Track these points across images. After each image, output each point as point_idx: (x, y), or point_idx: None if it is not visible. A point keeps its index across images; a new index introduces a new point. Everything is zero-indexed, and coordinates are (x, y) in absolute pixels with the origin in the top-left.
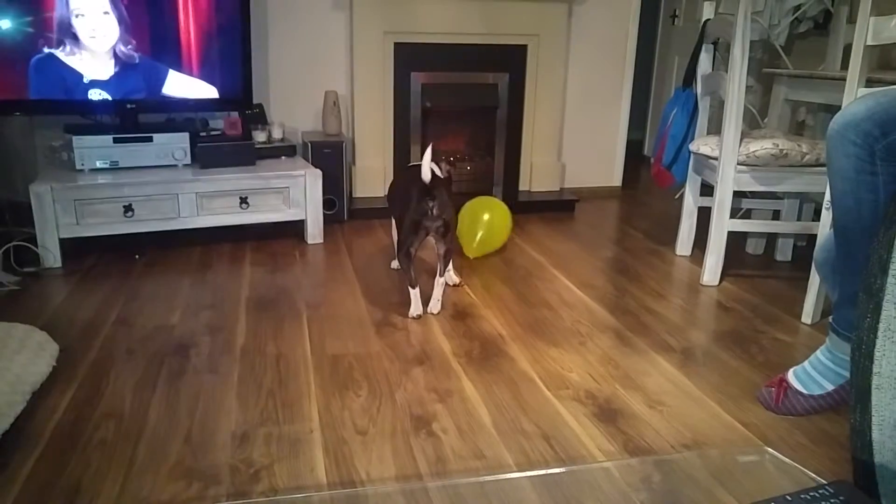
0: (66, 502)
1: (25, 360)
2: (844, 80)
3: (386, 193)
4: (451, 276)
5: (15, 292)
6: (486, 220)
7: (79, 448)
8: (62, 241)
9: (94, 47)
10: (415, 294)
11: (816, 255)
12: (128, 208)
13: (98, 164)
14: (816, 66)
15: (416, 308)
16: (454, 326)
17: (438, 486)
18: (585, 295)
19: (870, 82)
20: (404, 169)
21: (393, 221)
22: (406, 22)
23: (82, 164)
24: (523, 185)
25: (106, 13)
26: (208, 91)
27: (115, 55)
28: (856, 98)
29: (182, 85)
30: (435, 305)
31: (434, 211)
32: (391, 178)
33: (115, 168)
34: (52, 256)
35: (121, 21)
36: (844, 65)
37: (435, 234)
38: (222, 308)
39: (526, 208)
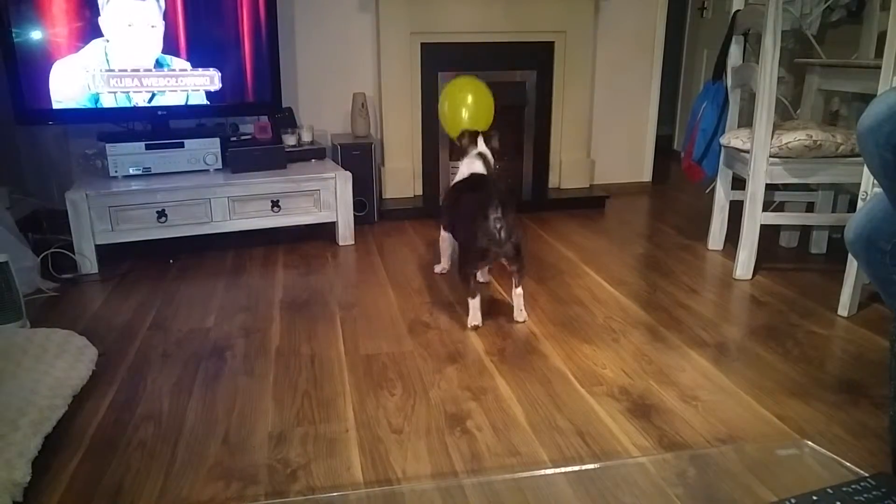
0: (109, 503)
1: (66, 364)
2: (879, 68)
3: (442, 200)
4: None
5: (54, 298)
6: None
7: (119, 450)
8: (98, 248)
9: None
10: (474, 304)
11: (847, 233)
12: (161, 214)
13: (131, 171)
14: (850, 55)
15: (474, 318)
16: (486, 325)
17: (474, 483)
18: (617, 291)
19: None
20: (465, 180)
21: (442, 230)
22: (432, 22)
23: (116, 171)
24: (553, 183)
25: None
26: (238, 96)
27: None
28: (883, 92)
29: (212, 90)
30: (519, 314)
31: (502, 234)
32: (421, 178)
33: (147, 174)
34: (88, 263)
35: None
36: (879, 53)
37: (505, 259)
38: (256, 310)
39: (556, 206)
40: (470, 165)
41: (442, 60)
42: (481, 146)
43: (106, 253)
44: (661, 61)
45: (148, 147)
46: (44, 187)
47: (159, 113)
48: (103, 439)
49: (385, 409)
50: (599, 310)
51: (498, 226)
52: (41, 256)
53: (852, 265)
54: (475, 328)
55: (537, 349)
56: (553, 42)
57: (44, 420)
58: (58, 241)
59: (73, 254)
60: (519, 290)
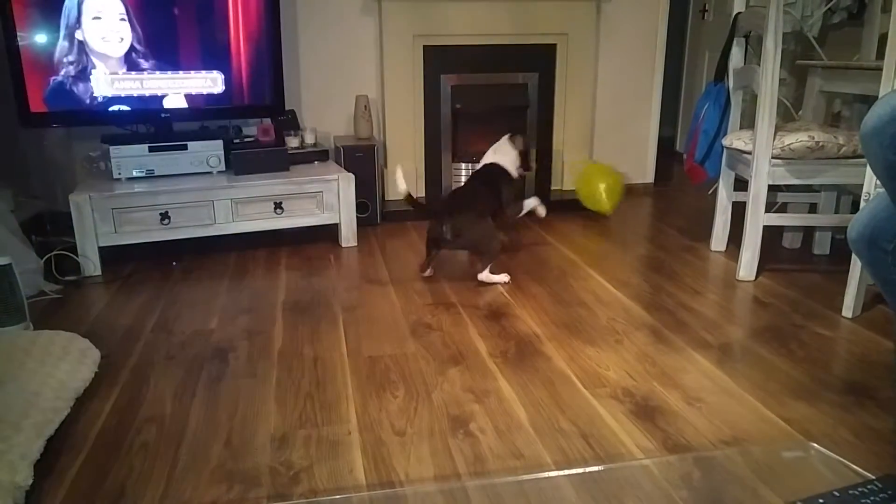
0: None
1: (69, 366)
2: (880, 70)
3: None
4: (487, 274)
5: (57, 301)
6: (602, 188)
7: (122, 452)
8: (101, 250)
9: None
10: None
11: (850, 233)
12: (164, 216)
13: (134, 173)
14: (851, 57)
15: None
16: (489, 326)
17: (477, 486)
18: (620, 293)
19: None
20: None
21: None
22: (435, 25)
23: (119, 174)
24: (555, 185)
25: (122, 19)
26: (241, 98)
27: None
28: (887, 94)
29: (215, 93)
30: (501, 278)
31: (448, 235)
32: (423, 180)
33: (151, 176)
34: (91, 265)
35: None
36: (880, 54)
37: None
38: (259, 312)
39: (559, 207)
40: (486, 158)
41: (444, 63)
42: (500, 144)
43: (109, 255)
44: (662, 63)
45: (151, 149)
46: (48, 189)
47: (163, 115)
48: (106, 442)
49: (388, 411)
50: (602, 311)
51: (444, 228)
52: (44, 259)
53: (856, 266)
54: (424, 273)
55: (540, 351)
56: (555, 44)
57: (46, 422)
58: (61, 243)
59: (77, 256)
60: (480, 270)
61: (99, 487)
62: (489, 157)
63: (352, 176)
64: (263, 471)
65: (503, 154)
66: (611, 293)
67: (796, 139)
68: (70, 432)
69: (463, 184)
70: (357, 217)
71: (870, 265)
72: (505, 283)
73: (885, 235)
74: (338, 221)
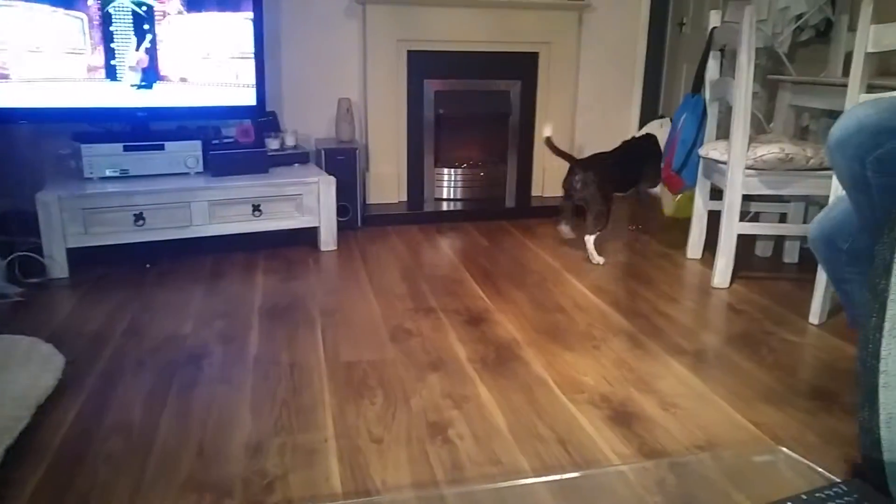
0: None
1: (31, 373)
2: (846, 86)
3: None
4: (592, 254)
5: (20, 304)
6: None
7: (86, 462)
8: (70, 251)
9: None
10: (562, 227)
11: (810, 232)
12: (138, 217)
13: (107, 173)
14: (819, 73)
15: (567, 235)
16: (468, 332)
17: (455, 493)
18: (599, 299)
19: (871, 88)
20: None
21: None
22: (419, 30)
23: (91, 173)
24: (536, 191)
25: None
26: (221, 99)
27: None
28: (852, 107)
29: (194, 93)
30: (594, 257)
31: (577, 185)
32: (406, 184)
33: (125, 176)
34: (58, 266)
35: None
36: (846, 71)
37: (581, 202)
38: (235, 317)
39: (539, 213)
40: (648, 127)
41: (428, 68)
42: (667, 121)
43: (78, 257)
44: (642, 73)
45: (126, 148)
46: (13, 188)
47: (139, 114)
48: (69, 452)
49: (365, 417)
50: (581, 317)
51: (576, 178)
52: (7, 260)
53: (822, 274)
54: (568, 239)
55: (519, 356)
56: (537, 52)
57: (5, 431)
58: (25, 243)
59: (42, 257)
60: (587, 237)
61: (61, 499)
62: (652, 128)
63: (332, 179)
64: (236, 480)
65: (664, 131)
66: (589, 299)
67: (768, 151)
68: (31, 442)
69: (614, 148)
70: (337, 221)
71: (826, 264)
72: (597, 262)
73: (842, 235)
74: (317, 225)
